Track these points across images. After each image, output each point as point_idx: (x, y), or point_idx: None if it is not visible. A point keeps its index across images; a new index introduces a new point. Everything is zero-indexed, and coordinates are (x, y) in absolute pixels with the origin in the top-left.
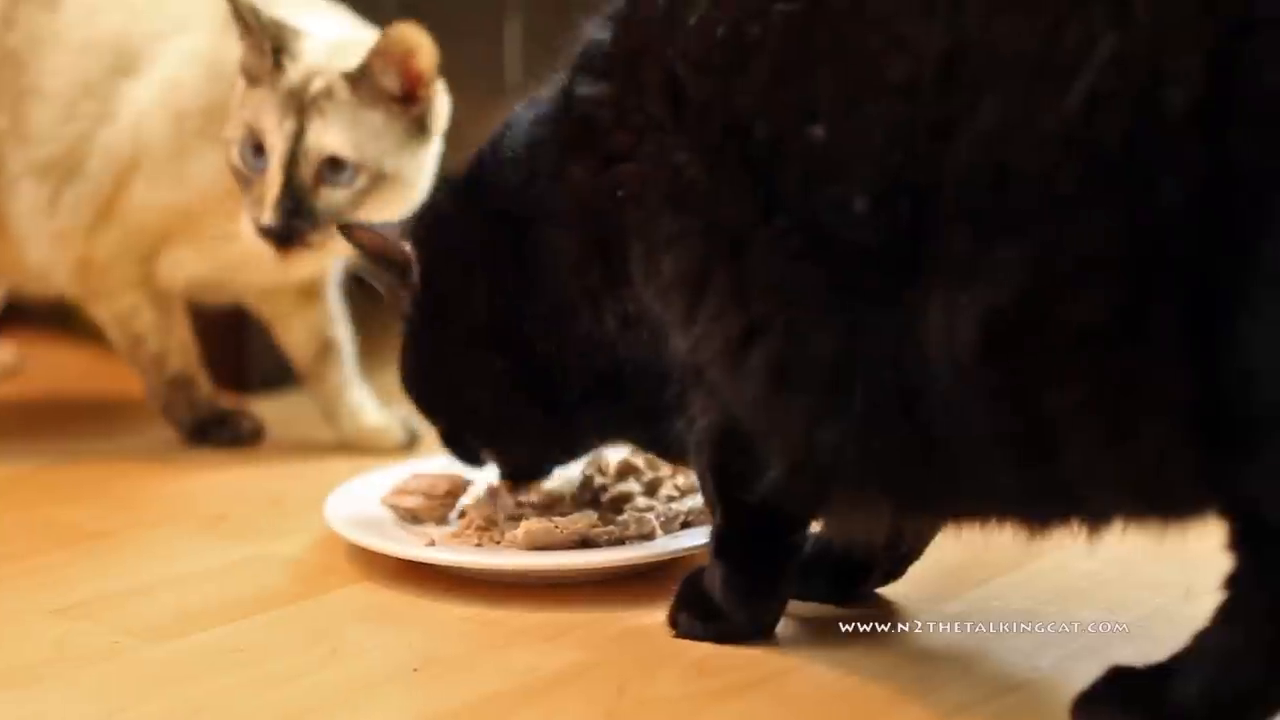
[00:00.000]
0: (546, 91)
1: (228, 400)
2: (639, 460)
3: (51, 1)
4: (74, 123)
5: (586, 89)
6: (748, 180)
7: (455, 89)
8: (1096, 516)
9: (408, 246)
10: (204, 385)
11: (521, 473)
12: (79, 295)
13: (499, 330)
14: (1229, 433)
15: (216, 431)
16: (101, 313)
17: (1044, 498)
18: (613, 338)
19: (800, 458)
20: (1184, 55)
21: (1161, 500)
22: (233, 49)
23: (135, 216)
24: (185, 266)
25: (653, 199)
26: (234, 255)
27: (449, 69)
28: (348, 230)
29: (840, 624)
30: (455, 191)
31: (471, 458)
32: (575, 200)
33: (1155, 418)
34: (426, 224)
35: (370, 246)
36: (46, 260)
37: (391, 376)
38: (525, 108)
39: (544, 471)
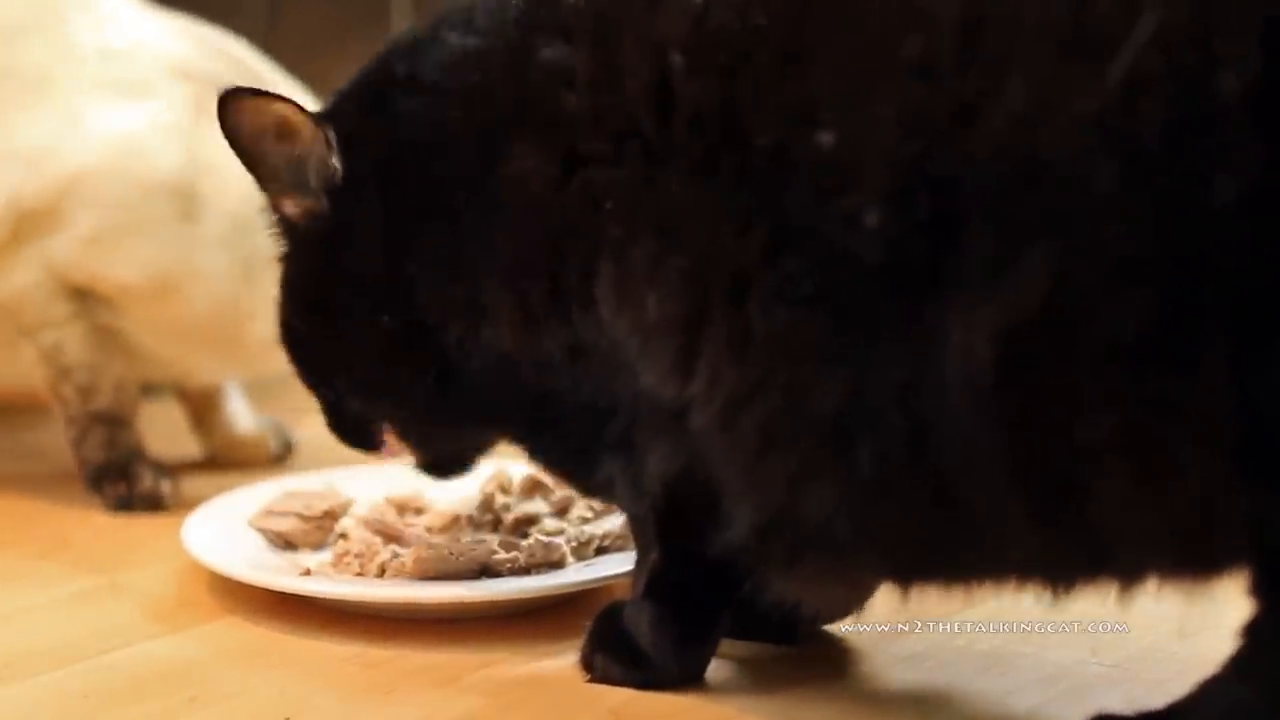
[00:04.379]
0: (483, 25)
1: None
2: (547, 477)
3: None
4: None
5: (550, 52)
6: (749, 203)
7: (338, 48)
8: (1127, 574)
9: (330, 130)
10: (133, 431)
11: (441, 464)
12: None
13: (394, 267)
14: (1269, 465)
15: (111, 485)
16: (28, 351)
17: (1067, 552)
18: (550, 367)
19: (773, 519)
20: (1237, 33)
21: (1202, 552)
22: (209, 132)
23: (58, 266)
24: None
25: (634, 219)
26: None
27: (332, 27)
28: (233, 96)
29: (782, 667)
30: (362, 93)
31: (361, 438)
32: (518, 193)
33: (1198, 452)
34: (347, 113)
35: (261, 128)
36: None
37: (265, 386)
38: (455, 31)
39: (467, 463)
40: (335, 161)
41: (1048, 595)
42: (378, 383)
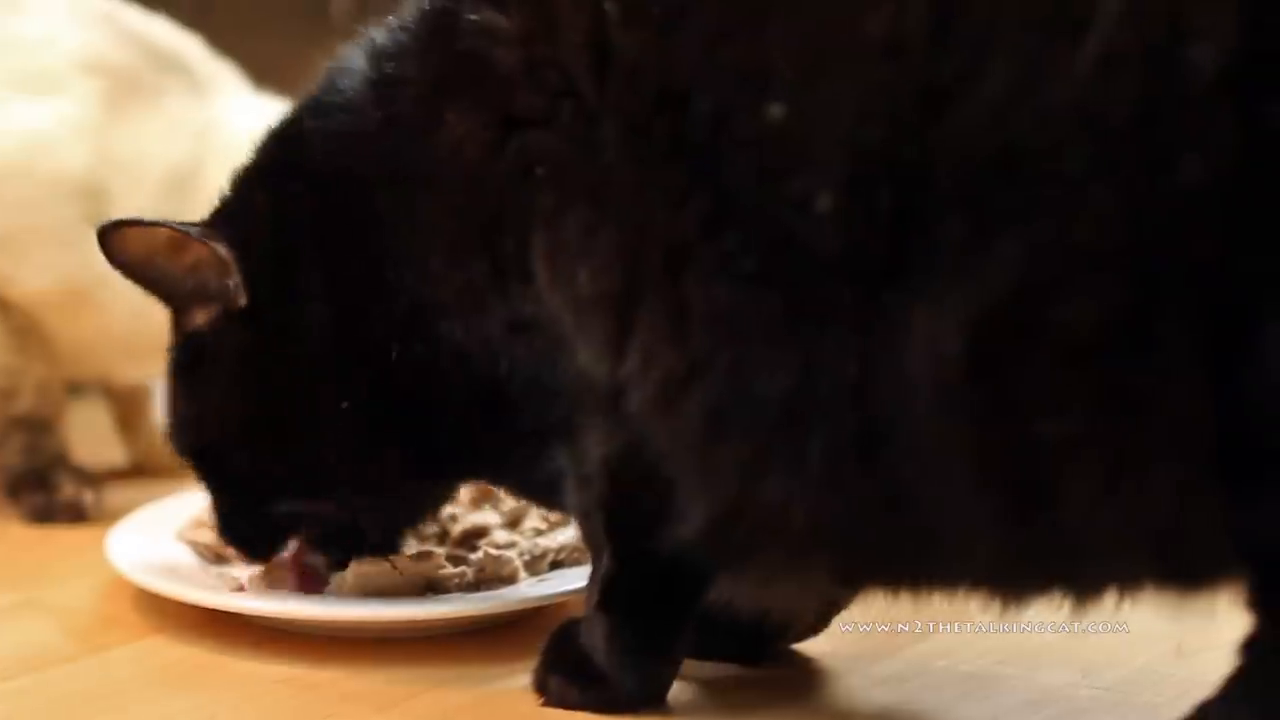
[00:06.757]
0: (395, 21)
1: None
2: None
3: None
4: None
5: (477, 15)
6: (685, 173)
7: (273, 28)
8: (1090, 584)
9: (221, 247)
10: (57, 436)
11: (372, 546)
12: None
13: (346, 347)
14: (1255, 467)
15: (29, 494)
16: None
17: (1031, 559)
18: (496, 345)
19: (728, 512)
20: (1212, 7)
21: (1179, 559)
22: (120, 128)
23: None
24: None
25: (567, 185)
26: None
27: (267, 6)
28: (112, 231)
29: (750, 689)
30: (262, 166)
31: (267, 544)
32: (455, 162)
33: (1171, 450)
34: (241, 214)
35: (150, 250)
36: None
37: None
38: (357, 47)
39: (398, 541)
40: (234, 280)
41: (1006, 605)
42: (339, 466)
